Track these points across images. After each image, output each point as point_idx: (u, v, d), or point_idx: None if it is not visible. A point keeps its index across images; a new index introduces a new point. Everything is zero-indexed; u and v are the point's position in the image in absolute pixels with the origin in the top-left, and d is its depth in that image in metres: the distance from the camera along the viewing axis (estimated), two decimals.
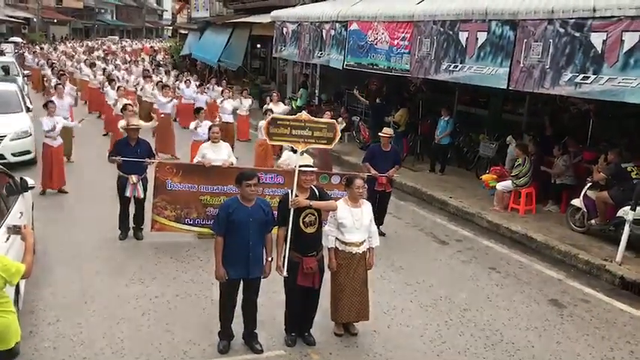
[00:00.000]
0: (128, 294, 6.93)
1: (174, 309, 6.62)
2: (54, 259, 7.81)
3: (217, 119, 13.63)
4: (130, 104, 11.64)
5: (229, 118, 15.22)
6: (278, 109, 13.65)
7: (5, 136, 12.33)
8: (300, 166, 5.78)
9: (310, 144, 6.32)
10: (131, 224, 8.74)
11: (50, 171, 10.67)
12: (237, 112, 16.44)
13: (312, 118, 6.46)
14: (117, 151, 8.55)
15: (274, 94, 15.52)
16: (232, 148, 13.80)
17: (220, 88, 17.89)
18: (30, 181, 7.50)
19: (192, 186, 8.43)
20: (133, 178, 8.43)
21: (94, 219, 9.46)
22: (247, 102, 16.62)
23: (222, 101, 15.50)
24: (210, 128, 9.22)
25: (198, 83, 19.70)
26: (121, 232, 8.64)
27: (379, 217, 9.19)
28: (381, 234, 9.11)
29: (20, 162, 12.25)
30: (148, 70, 21.49)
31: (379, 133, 9.52)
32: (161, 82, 17.89)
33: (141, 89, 18.24)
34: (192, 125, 11.55)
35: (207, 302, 6.78)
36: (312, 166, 5.87)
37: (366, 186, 8.14)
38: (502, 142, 12.52)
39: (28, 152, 12.58)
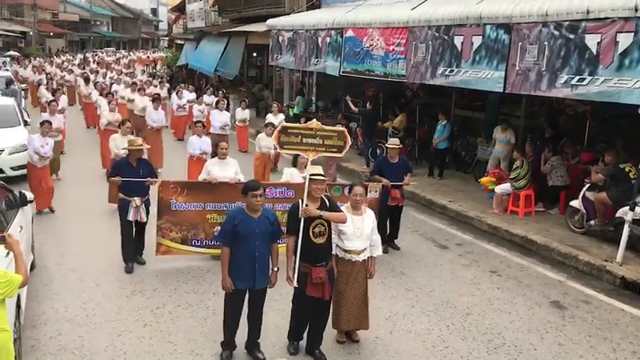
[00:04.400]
0: (129, 306, 6.93)
1: (175, 320, 6.61)
2: (54, 273, 7.81)
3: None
4: (128, 120, 11.56)
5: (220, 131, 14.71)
6: (277, 120, 13.67)
7: (3, 150, 12.34)
8: (311, 175, 5.68)
9: (321, 152, 6.23)
10: None
11: (39, 191, 10.28)
12: (236, 122, 16.43)
13: (323, 126, 6.35)
14: (117, 173, 7.92)
15: (275, 105, 15.48)
16: None
17: (213, 98, 17.84)
18: (29, 195, 7.52)
19: (198, 205, 7.99)
20: (137, 200, 7.88)
21: (92, 232, 9.46)
22: (246, 113, 16.59)
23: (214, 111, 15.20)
24: (216, 145, 8.59)
25: (193, 95, 19.59)
26: (127, 265, 7.98)
27: (393, 231, 9.13)
28: (396, 248, 9.07)
29: (19, 176, 12.23)
30: (136, 83, 21.16)
31: (386, 145, 9.32)
32: (157, 94, 17.81)
33: (128, 100, 17.96)
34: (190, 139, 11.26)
35: (208, 312, 6.78)
36: (323, 175, 5.78)
37: (369, 195, 8.10)
38: None
39: (26, 166, 12.52)
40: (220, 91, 19.87)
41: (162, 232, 7.99)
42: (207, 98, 18.38)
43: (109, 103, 14.66)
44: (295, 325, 5.92)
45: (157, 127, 14.21)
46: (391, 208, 8.88)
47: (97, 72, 29.99)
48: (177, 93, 18.97)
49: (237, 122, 16.47)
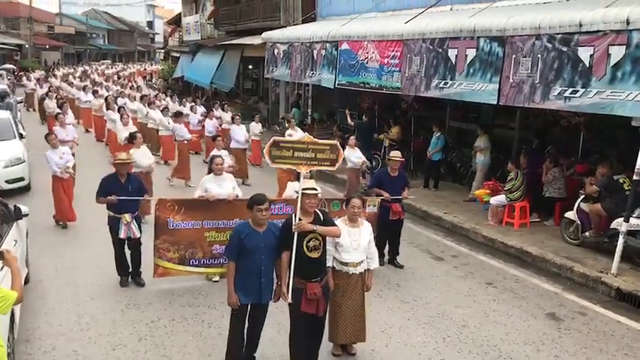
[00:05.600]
0: (124, 320, 6.90)
1: (170, 333, 6.58)
2: (49, 287, 7.77)
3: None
4: (137, 132, 11.55)
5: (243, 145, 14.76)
6: (297, 134, 13.53)
7: None
8: (304, 189, 5.62)
9: (313, 166, 6.19)
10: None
11: (65, 202, 10.37)
12: (251, 136, 16.32)
13: (315, 139, 6.32)
14: (105, 189, 7.70)
15: (292, 120, 15.38)
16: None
17: (228, 114, 17.90)
18: (24, 209, 7.49)
19: (195, 223, 7.67)
20: (127, 217, 7.70)
21: (88, 246, 9.43)
22: (260, 126, 16.45)
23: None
24: (211, 160, 8.34)
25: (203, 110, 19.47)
26: (122, 279, 7.93)
27: (394, 248, 8.95)
28: (399, 266, 8.87)
29: (14, 189, 12.21)
30: (146, 96, 21.19)
31: (388, 157, 9.10)
32: (167, 108, 17.78)
33: (145, 115, 18.01)
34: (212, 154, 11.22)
35: (203, 326, 6.75)
36: (317, 190, 5.70)
37: (367, 209, 8.07)
38: (494, 157, 12.63)
39: (21, 179, 12.54)
40: (226, 105, 19.78)
41: (160, 253, 7.66)
42: (217, 113, 18.27)
43: (122, 117, 14.64)
44: (296, 352, 5.68)
45: (186, 140, 14.67)
46: (392, 222, 8.68)
47: (101, 84, 29.92)
48: (191, 108, 18.73)
49: (252, 136, 16.29)
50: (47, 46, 63.90)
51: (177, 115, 15.44)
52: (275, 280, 5.67)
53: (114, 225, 7.80)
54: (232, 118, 15.70)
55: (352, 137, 12.69)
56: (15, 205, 7.44)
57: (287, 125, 15.12)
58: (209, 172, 8.18)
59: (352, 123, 15.44)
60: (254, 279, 5.49)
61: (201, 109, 19.08)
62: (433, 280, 8.44)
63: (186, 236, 7.71)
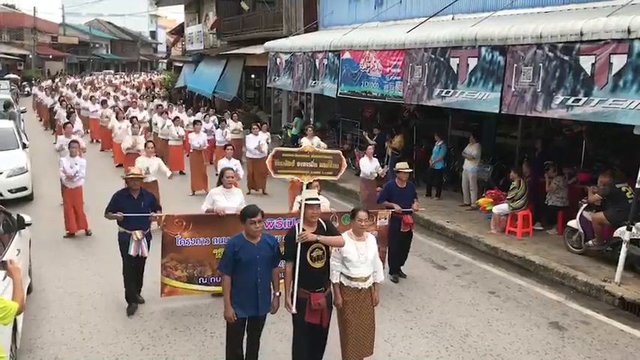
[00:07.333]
0: (127, 329, 6.89)
1: (173, 343, 6.57)
2: (51, 296, 7.78)
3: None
4: (151, 141, 11.56)
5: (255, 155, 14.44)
6: (312, 143, 13.06)
7: (2, 172, 12.36)
8: (306, 199, 5.59)
9: (316, 176, 6.18)
10: None
11: (73, 213, 10.38)
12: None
13: (317, 149, 6.27)
14: (117, 205, 7.36)
15: (309, 129, 15.35)
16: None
17: (238, 123, 17.86)
18: (27, 218, 7.52)
19: (205, 239, 7.38)
20: (137, 234, 7.32)
21: (90, 255, 9.45)
22: (267, 135, 15.92)
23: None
24: (222, 173, 8.02)
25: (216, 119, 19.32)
26: (130, 304, 7.44)
27: (402, 258, 8.85)
28: (402, 276, 8.81)
29: (17, 199, 12.25)
30: (162, 106, 21.17)
31: (395, 169, 9.00)
32: (178, 118, 17.76)
33: (155, 124, 17.95)
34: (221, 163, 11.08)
35: (206, 335, 6.74)
36: (318, 199, 5.69)
37: (379, 222, 8.04)
38: (496, 166, 12.63)
39: (24, 189, 12.58)
40: (236, 114, 19.76)
41: (167, 272, 7.35)
42: (231, 122, 18.23)
43: (132, 126, 14.65)
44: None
45: (199, 148, 14.65)
46: (403, 234, 8.61)
47: (109, 94, 29.94)
48: (204, 117, 18.51)
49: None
50: (50, 56, 64.29)
51: (195, 124, 15.56)
52: (272, 291, 5.64)
53: (124, 240, 7.41)
54: (251, 128, 15.66)
55: (370, 146, 12.43)
56: (18, 215, 7.47)
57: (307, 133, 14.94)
58: (218, 184, 7.97)
59: (375, 144, 15.27)
60: (250, 292, 5.43)
61: (213, 118, 19.04)
62: (436, 290, 8.42)
63: (194, 253, 7.42)
